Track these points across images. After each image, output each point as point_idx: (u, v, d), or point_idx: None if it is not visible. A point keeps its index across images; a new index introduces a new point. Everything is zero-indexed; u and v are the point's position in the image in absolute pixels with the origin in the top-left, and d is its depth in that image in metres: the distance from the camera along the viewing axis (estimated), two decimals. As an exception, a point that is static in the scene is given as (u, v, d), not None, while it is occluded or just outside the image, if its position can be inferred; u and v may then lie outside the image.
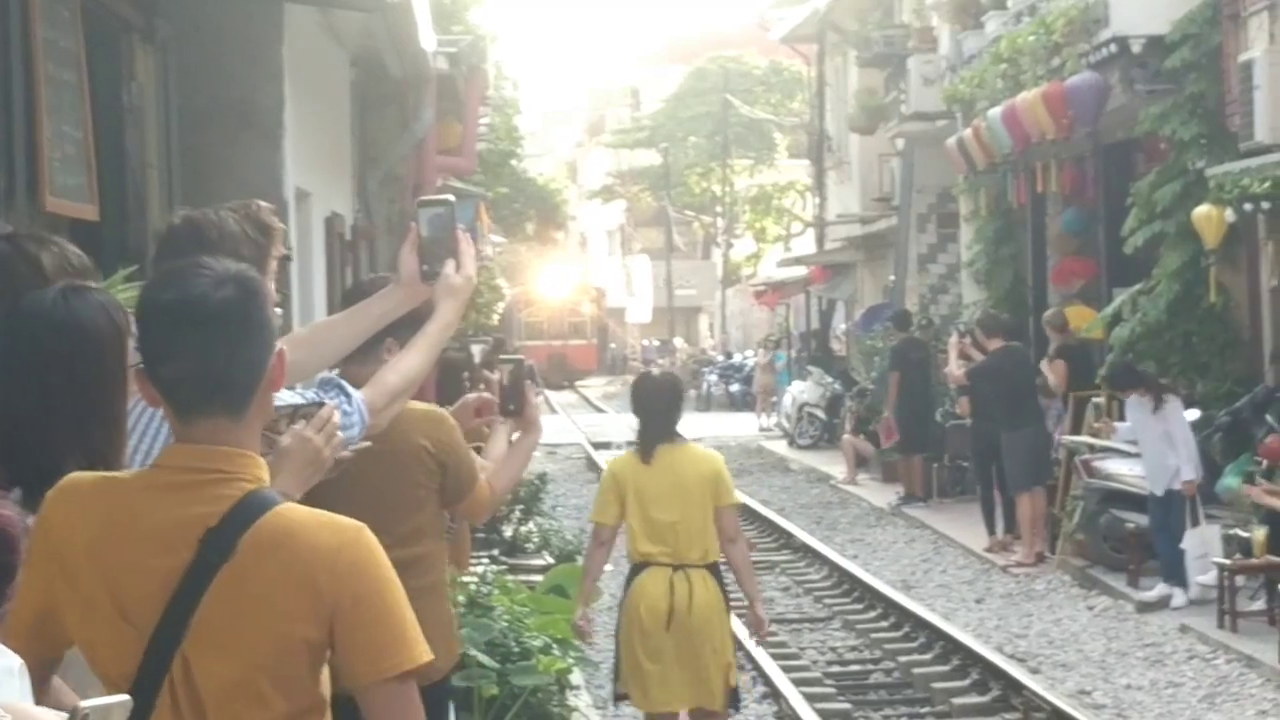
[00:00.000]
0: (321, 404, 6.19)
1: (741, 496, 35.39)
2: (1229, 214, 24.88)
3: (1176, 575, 23.26)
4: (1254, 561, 20.92)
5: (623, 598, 14.25)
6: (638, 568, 13.87)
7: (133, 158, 13.57)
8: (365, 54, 22.32)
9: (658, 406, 14.66)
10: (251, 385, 5.28)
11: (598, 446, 46.53)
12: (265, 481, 5.30)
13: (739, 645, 19.55)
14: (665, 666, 13.84)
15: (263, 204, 7.54)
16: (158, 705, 5.02)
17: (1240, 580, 21.51)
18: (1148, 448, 23.46)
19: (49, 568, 5.08)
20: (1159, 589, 23.59)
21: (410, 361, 7.12)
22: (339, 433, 6.50)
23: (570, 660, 14.16)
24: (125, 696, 4.36)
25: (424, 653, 5.31)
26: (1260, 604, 21.17)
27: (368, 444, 6.94)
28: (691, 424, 48.40)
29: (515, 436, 9.84)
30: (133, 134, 13.61)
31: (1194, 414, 25.52)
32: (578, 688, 15.43)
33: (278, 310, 7.03)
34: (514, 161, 37.21)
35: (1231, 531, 22.55)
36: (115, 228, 12.70)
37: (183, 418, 5.30)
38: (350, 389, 7.02)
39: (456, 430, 9.54)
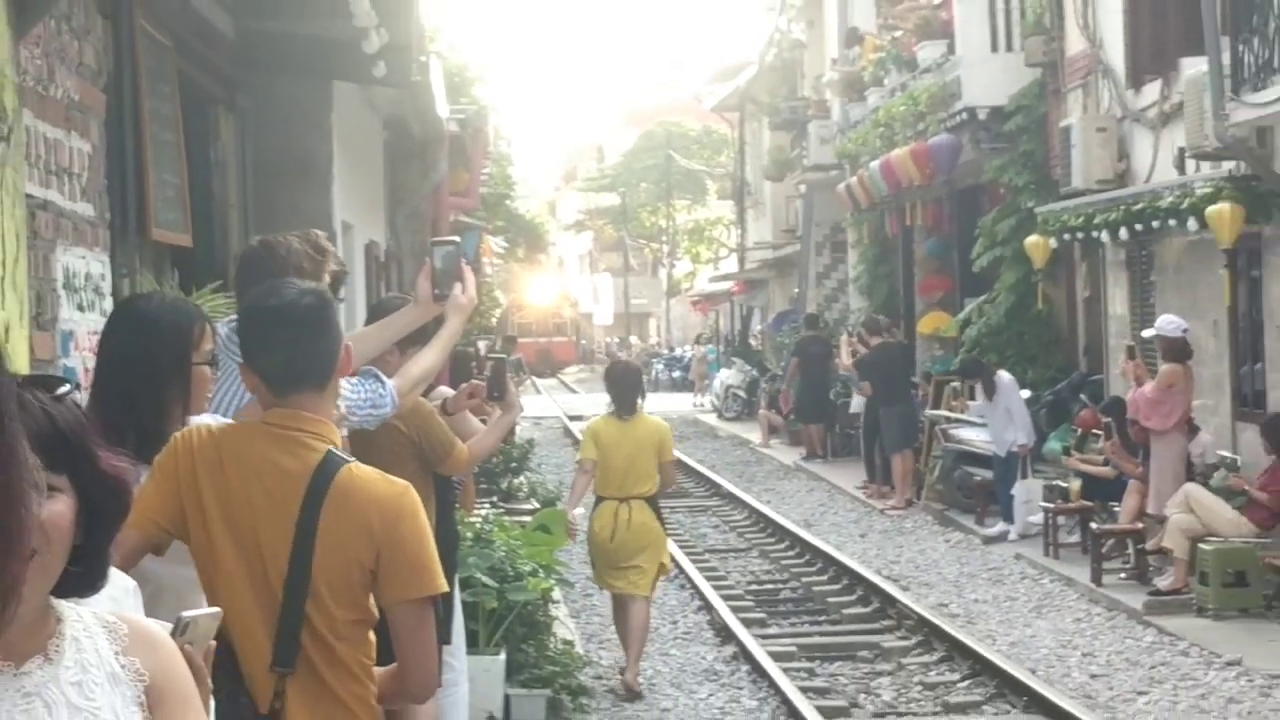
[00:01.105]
0: None
1: (680, 455, 36.43)
2: (1052, 242, 24.98)
3: (1012, 517, 23.47)
4: (1070, 505, 21.30)
5: (590, 520, 15.38)
6: (598, 500, 15.17)
7: (217, 199, 13.46)
8: (394, 119, 22.16)
9: (625, 386, 16.48)
10: (328, 369, 5.67)
11: (572, 419, 45.39)
12: (337, 444, 5.67)
13: (680, 569, 21.41)
14: (614, 565, 15.10)
15: (319, 232, 7.86)
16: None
17: (1061, 520, 21.63)
18: (993, 420, 23.69)
19: (171, 485, 5.36)
20: (999, 527, 23.76)
21: (428, 358, 7.49)
22: (377, 411, 7.25)
23: (552, 581, 14.43)
24: (218, 609, 4.16)
25: (440, 585, 5.67)
26: (1075, 538, 21.37)
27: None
28: (650, 401, 49.10)
29: (497, 414, 10.16)
30: (218, 181, 13.47)
31: (1026, 393, 25.36)
32: (557, 602, 15.33)
33: None
34: (508, 201, 37.83)
35: (1054, 483, 22.53)
36: (204, 253, 12.50)
37: (278, 396, 5.65)
38: (384, 377, 7.34)
39: (427, 414, 9.78)
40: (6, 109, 6.77)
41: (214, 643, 3.88)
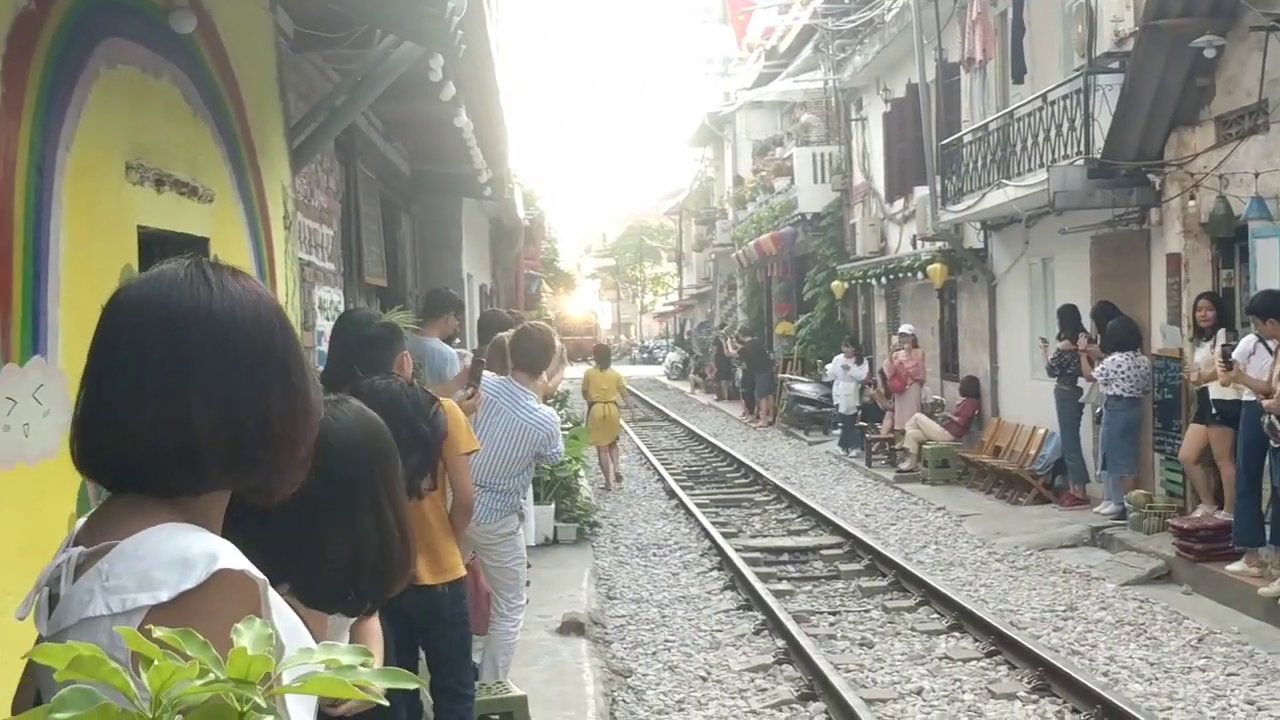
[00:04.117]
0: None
1: (646, 397, 36.53)
2: (845, 285, 25.07)
3: (835, 434, 23.57)
4: (882, 435, 19.96)
5: (588, 412, 16.95)
6: (591, 404, 17.16)
7: (400, 258, 13.06)
8: (495, 218, 22.00)
9: (602, 355, 17.42)
10: (391, 365, 4.87)
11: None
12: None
13: (645, 459, 21.65)
14: (601, 433, 17.30)
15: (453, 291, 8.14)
16: None
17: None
18: (842, 385, 22.42)
19: None
20: (815, 436, 23.92)
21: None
22: None
23: (579, 465, 14.28)
24: None
25: (474, 445, 5.20)
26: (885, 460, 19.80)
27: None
28: (629, 369, 48.63)
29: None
30: (401, 249, 13.15)
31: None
32: (581, 477, 14.59)
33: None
34: (555, 262, 38.35)
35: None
36: (393, 290, 11.91)
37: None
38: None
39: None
40: (289, 211, 6.71)
41: None
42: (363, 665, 1.29)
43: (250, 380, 1.58)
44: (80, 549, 1.54)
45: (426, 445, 3.48)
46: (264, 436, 1.59)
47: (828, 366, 24.14)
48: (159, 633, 1.25)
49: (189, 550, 1.48)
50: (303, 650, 1.31)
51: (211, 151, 5.22)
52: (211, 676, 1.20)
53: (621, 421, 20.03)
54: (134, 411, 1.54)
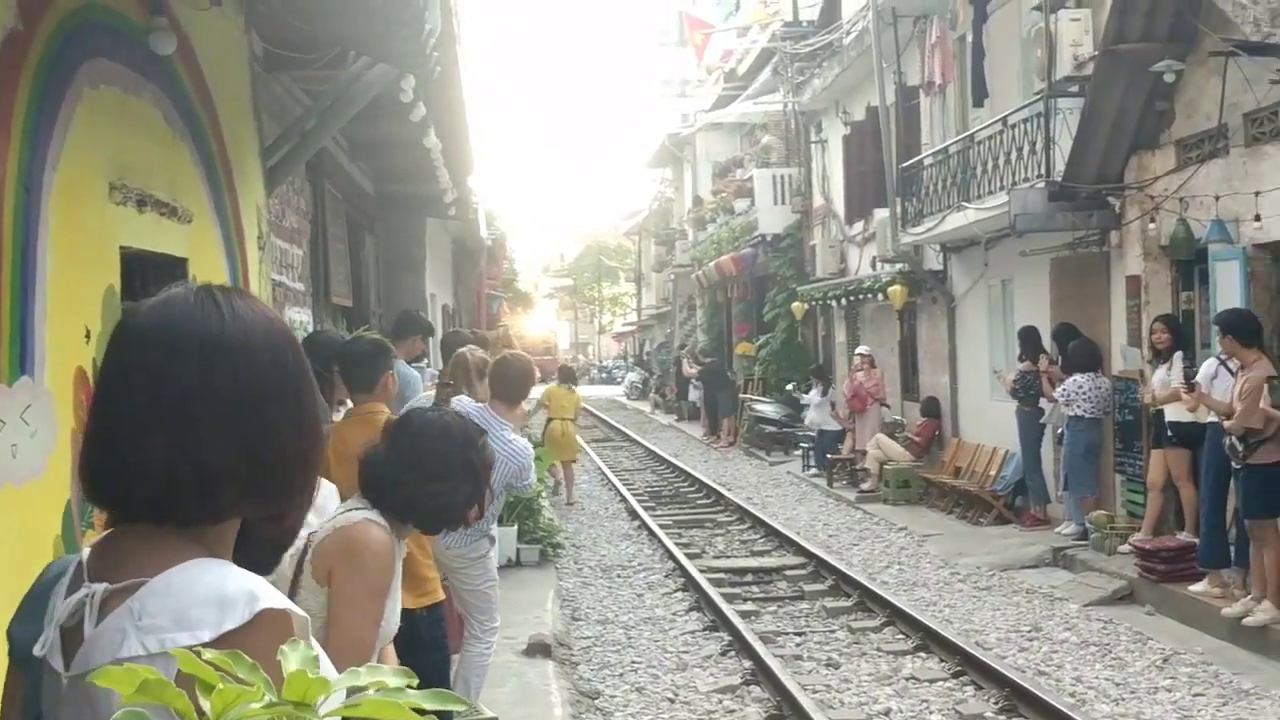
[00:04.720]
0: None
1: (605, 417, 36.45)
2: (805, 305, 25.14)
3: (796, 455, 23.37)
4: (843, 456, 20.03)
5: (544, 430, 16.90)
6: (549, 421, 17.35)
7: (365, 279, 13.00)
8: (458, 237, 21.96)
9: (567, 375, 17.45)
10: (376, 382, 5.29)
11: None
12: (388, 413, 5.15)
13: (606, 479, 21.62)
14: (560, 449, 17.23)
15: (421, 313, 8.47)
16: None
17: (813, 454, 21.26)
18: (818, 409, 21.59)
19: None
20: (777, 456, 23.90)
21: None
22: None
23: (543, 486, 14.44)
24: None
25: None
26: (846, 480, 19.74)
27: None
28: (587, 389, 48.62)
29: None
30: (365, 269, 13.09)
31: (790, 385, 26.12)
32: (544, 498, 14.60)
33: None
34: (515, 282, 38.30)
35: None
36: (357, 309, 11.99)
37: (354, 398, 5.40)
38: None
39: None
40: (263, 232, 6.69)
41: None
42: (410, 687, 1.30)
43: (266, 407, 1.56)
44: (104, 585, 1.50)
45: (477, 475, 3.48)
46: (280, 464, 1.57)
47: (805, 396, 23.91)
48: (209, 655, 1.25)
49: (224, 588, 1.47)
50: (350, 673, 1.32)
51: (190, 172, 5.21)
52: (268, 700, 1.21)
53: (578, 439, 20.30)
54: (148, 442, 1.52)
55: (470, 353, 7.22)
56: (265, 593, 1.48)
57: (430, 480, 3.45)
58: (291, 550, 3.29)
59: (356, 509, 3.40)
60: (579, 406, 19.81)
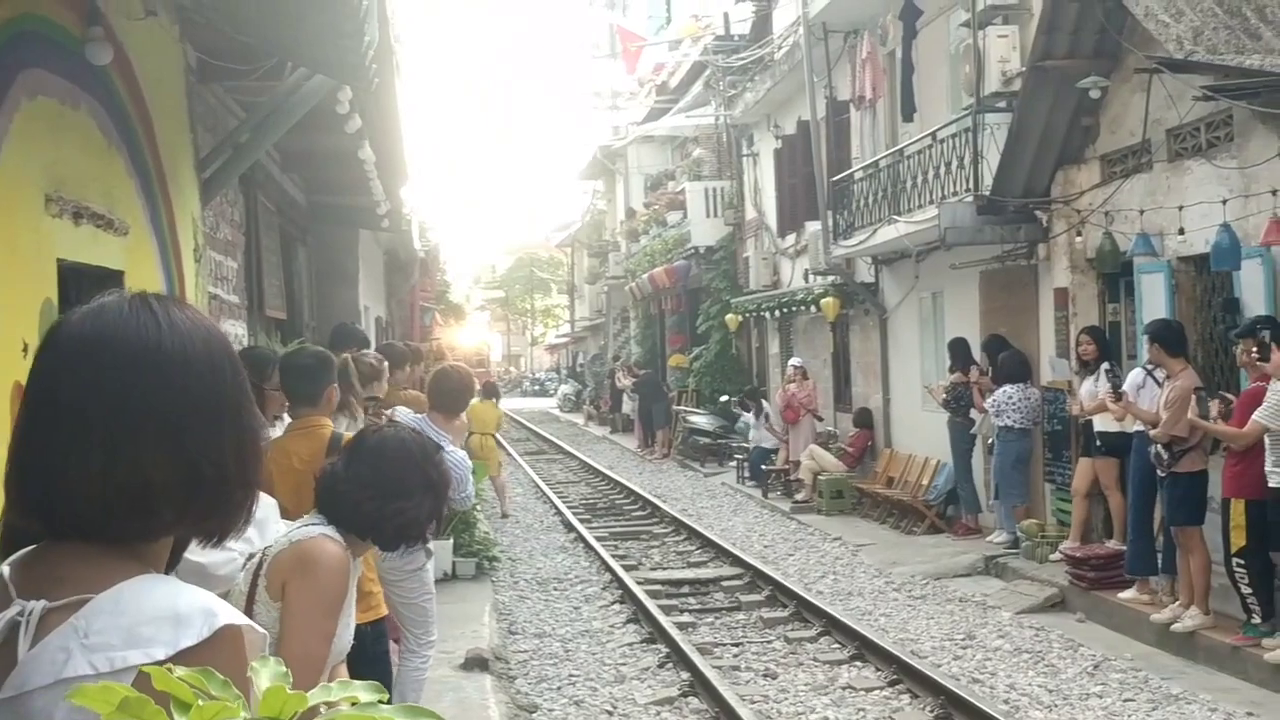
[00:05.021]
0: None
1: (539, 430, 36.32)
2: (739, 317, 25.23)
3: (730, 466, 23.50)
4: (777, 467, 20.19)
5: (467, 441, 16.58)
6: (470, 434, 16.48)
7: (297, 291, 12.98)
8: (390, 249, 21.80)
9: (490, 390, 17.43)
10: (319, 395, 5.19)
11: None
12: (330, 427, 5.24)
13: (542, 492, 21.52)
14: (483, 461, 16.46)
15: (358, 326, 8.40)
16: None
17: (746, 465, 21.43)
18: (755, 429, 21.66)
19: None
20: (711, 468, 23.99)
21: None
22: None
23: (477, 499, 13.57)
24: None
25: None
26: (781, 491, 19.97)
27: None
28: (521, 402, 48.13)
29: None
30: (298, 281, 13.05)
31: (724, 397, 26.35)
32: (479, 510, 14.15)
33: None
34: (447, 294, 37.95)
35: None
36: (291, 322, 11.94)
37: (295, 411, 5.28)
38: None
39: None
40: (199, 244, 6.63)
41: None
42: (382, 702, 1.29)
43: (205, 421, 1.50)
44: (42, 603, 1.41)
45: (437, 491, 3.46)
46: (220, 480, 1.51)
47: (743, 416, 23.88)
48: (180, 672, 1.22)
49: (178, 605, 1.41)
50: (323, 688, 1.30)
51: (126, 184, 5.15)
52: (244, 716, 1.19)
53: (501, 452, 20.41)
54: (82, 458, 1.45)
55: (358, 358, 7.09)
56: (222, 609, 1.44)
57: (392, 498, 3.42)
58: (247, 566, 3.34)
59: (313, 524, 3.37)
60: (500, 421, 19.80)
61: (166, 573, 1.55)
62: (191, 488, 1.49)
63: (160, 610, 1.40)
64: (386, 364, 7.74)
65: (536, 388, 71.53)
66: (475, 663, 9.32)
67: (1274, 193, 9.50)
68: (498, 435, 19.73)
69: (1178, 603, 9.88)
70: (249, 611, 3.17)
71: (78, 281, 4.38)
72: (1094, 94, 11.77)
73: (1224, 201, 10.10)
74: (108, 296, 1.54)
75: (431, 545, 8.10)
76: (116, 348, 1.47)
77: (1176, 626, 9.66)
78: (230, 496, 1.54)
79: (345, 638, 3.21)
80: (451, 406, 6.75)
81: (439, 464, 3.55)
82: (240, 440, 1.54)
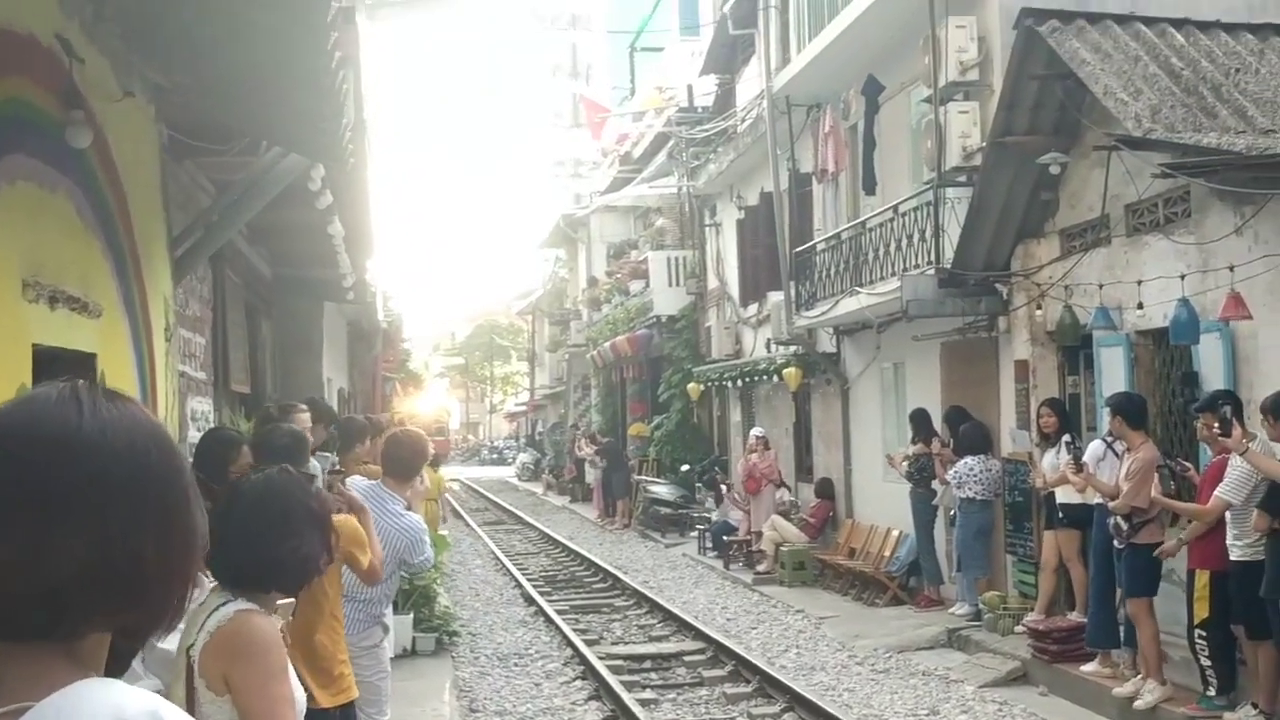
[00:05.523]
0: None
1: (497, 499, 36.11)
2: (701, 386, 25.34)
3: (692, 537, 23.36)
4: (739, 538, 19.98)
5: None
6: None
7: (261, 364, 12.91)
8: (354, 321, 21.83)
9: (435, 458, 17.41)
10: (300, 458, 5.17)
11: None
12: None
13: (501, 563, 21.38)
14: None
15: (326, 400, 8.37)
16: None
17: (708, 537, 21.29)
18: (721, 509, 21.67)
19: None
20: (672, 538, 23.82)
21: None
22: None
23: (438, 574, 13.98)
24: (291, 600, 3.54)
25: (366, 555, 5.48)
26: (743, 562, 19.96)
27: None
28: (479, 470, 47.73)
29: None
30: (262, 354, 12.99)
31: (685, 467, 26.54)
32: (439, 584, 14.06)
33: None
34: (407, 363, 37.82)
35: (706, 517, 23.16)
36: (255, 396, 11.79)
37: None
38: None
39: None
40: (170, 323, 6.62)
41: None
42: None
43: (122, 515, 1.41)
44: None
45: (321, 521, 3.45)
46: (137, 576, 1.42)
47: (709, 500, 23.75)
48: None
49: (123, 711, 1.36)
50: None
51: (101, 265, 5.16)
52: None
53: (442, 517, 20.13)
54: None
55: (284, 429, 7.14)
56: (167, 711, 1.39)
57: (281, 539, 3.38)
58: (177, 670, 3.25)
59: (222, 604, 3.29)
60: (443, 487, 19.78)
61: (119, 674, 1.49)
62: (106, 585, 1.41)
63: (106, 715, 1.35)
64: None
65: (495, 456, 71.03)
66: (438, 740, 9.21)
67: (1231, 268, 9.66)
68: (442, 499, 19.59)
69: (1140, 676, 9.91)
70: (195, 714, 3.10)
71: (52, 365, 4.36)
72: (1054, 169, 11.96)
73: (1182, 276, 10.27)
74: (43, 386, 1.49)
75: (390, 619, 8.17)
76: (34, 434, 1.42)
77: (1138, 703, 9.69)
78: (149, 591, 1.45)
79: (300, 695, 3.15)
80: (404, 472, 6.75)
81: (317, 494, 3.54)
82: (166, 532, 1.46)
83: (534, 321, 57.12)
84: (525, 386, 66.73)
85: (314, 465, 8.05)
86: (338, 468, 6.82)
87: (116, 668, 1.50)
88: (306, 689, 4.65)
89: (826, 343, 19.22)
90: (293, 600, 3.60)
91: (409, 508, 6.86)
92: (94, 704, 1.35)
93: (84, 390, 1.46)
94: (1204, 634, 9.05)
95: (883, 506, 16.92)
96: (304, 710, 3.20)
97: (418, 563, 6.88)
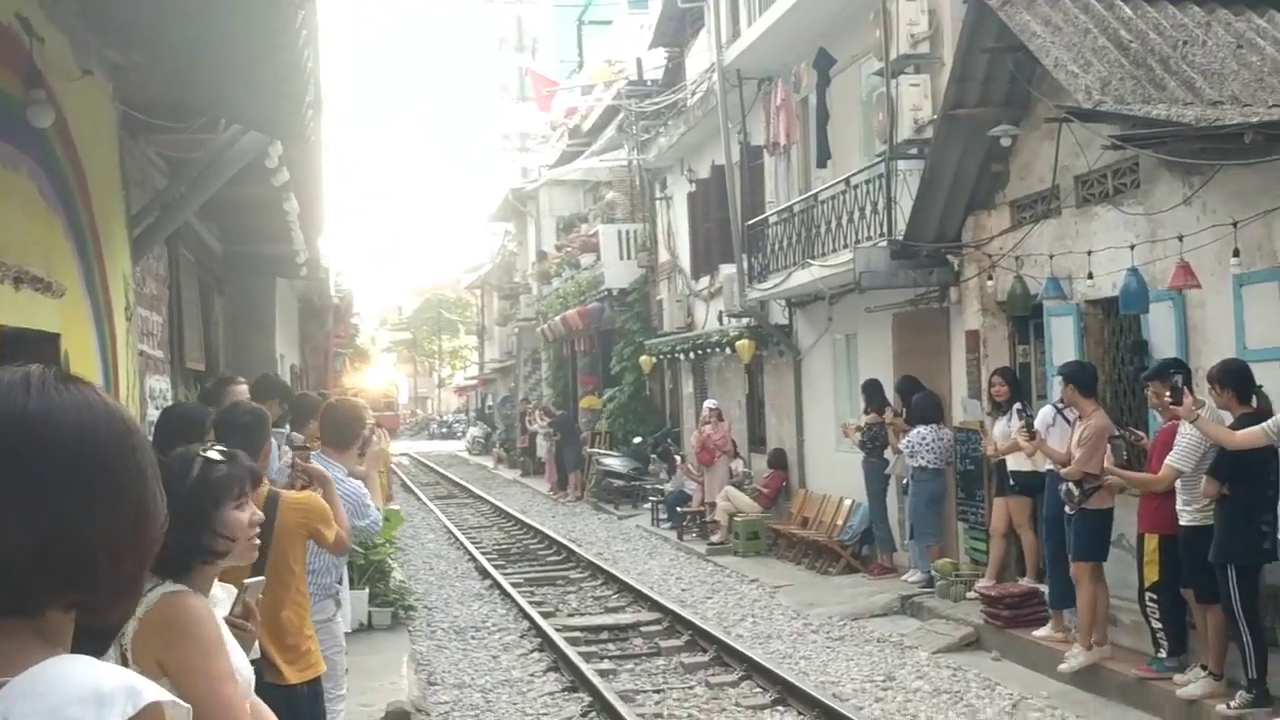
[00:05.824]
0: None
1: (448, 474, 36.01)
2: (653, 359, 25.18)
3: (645, 509, 23.46)
4: (693, 509, 20.08)
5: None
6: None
7: (214, 341, 12.91)
8: (305, 297, 21.63)
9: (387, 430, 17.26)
10: (256, 455, 4.83)
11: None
12: (268, 486, 5.11)
13: (454, 537, 21.38)
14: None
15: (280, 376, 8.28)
16: None
17: (661, 508, 21.47)
18: (675, 480, 21.71)
19: None
20: (625, 510, 23.93)
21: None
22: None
23: (393, 549, 14.19)
24: (262, 577, 3.55)
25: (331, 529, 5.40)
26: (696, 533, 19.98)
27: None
28: (429, 445, 47.59)
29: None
30: (214, 331, 12.96)
31: (638, 439, 26.59)
32: (394, 559, 14.24)
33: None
34: (356, 338, 37.70)
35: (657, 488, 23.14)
36: (209, 373, 11.41)
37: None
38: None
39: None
40: (130, 302, 6.59)
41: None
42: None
43: (69, 495, 1.43)
44: None
45: (194, 511, 3.37)
46: (87, 554, 1.44)
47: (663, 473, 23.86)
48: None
49: (100, 684, 1.38)
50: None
51: (63, 245, 5.14)
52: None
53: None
54: None
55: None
56: (145, 686, 1.42)
57: (198, 511, 3.33)
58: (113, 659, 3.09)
59: (149, 589, 3.16)
60: (388, 463, 19.59)
61: (97, 655, 1.50)
62: (58, 564, 1.43)
63: (83, 690, 1.37)
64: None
65: (444, 430, 70.83)
66: (396, 716, 9.27)
67: (1180, 238, 9.81)
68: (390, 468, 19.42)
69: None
70: None
71: (15, 346, 4.33)
72: (1005, 142, 12.08)
73: (1132, 246, 10.41)
74: (1, 370, 1.51)
75: (345, 595, 8.17)
76: None
77: (1063, 666, 9.93)
78: (103, 571, 1.47)
79: (244, 670, 3.08)
80: (341, 439, 6.75)
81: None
82: (117, 513, 1.48)
83: (483, 295, 56.86)
84: (474, 361, 66.49)
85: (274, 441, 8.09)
86: (303, 444, 6.74)
87: (94, 649, 1.52)
88: (274, 666, 4.67)
89: (779, 315, 19.33)
90: (263, 579, 3.57)
91: (351, 474, 6.86)
92: (71, 679, 1.37)
93: (36, 374, 1.48)
94: (1154, 597, 9.22)
95: (835, 476, 17.07)
96: (251, 681, 3.14)
97: (364, 525, 6.85)
